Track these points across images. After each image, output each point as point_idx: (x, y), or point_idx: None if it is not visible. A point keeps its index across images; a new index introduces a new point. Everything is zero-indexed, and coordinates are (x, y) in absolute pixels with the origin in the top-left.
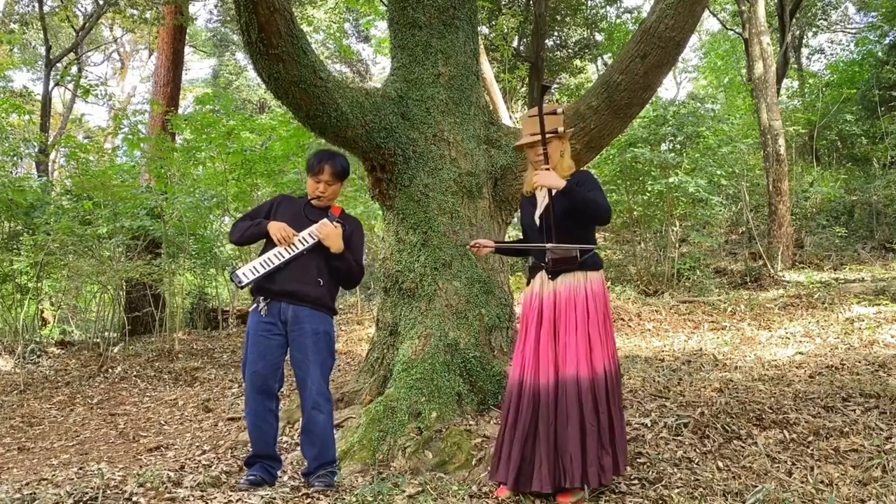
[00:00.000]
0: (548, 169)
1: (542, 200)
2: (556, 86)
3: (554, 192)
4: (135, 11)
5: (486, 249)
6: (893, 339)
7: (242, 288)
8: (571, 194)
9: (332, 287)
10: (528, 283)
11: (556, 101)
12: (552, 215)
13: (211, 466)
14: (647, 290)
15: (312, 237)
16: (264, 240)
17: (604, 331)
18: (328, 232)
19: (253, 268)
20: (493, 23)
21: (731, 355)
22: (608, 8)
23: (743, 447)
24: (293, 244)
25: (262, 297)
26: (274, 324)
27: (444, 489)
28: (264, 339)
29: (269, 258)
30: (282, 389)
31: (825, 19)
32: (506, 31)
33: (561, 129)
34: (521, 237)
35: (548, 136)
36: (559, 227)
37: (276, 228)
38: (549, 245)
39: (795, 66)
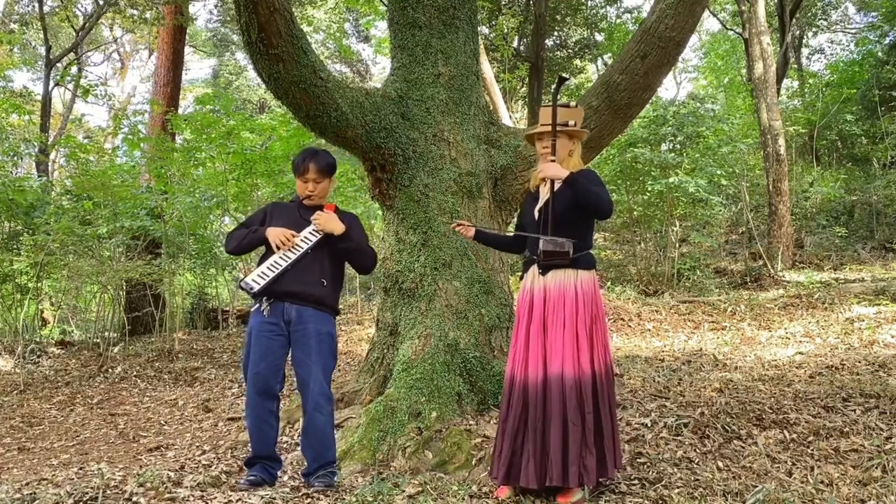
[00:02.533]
0: (553, 160)
1: (545, 195)
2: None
3: (557, 184)
4: (135, 11)
5: (468, 232)
6: (893, 339)
7: (255, 294)
8: (574, 185)
9: (336, 287)
10: (521, 279)
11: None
12: (552, 208)
13: (211, 466)
14: (647, 290)
15: (314, 234)
16: (264, 247)
17: (593, 330)
18: (324, 218)
19: (262, 273)
20: (493, 23)
21: (731, 355)
22: (608, 8)
23: (743, 447)
24: (296, 245)
25: (265, 298)
26: (276, 324)
27: (444, 489)
28: (266, 340)
29: (276, 261)
30: (282, 390)
31: (825, 19)
32: (506, 31)
33: (572, 122)
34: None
35: (559, 130)
36: (558, 222)
37: (275, 234)
38: (541, 236)
39: (795, 66)
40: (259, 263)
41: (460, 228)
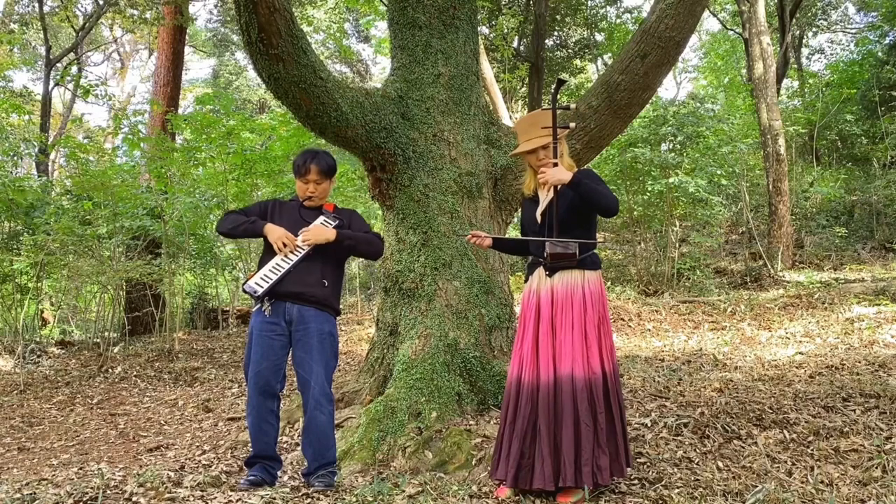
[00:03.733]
0: (555, 164)
1: (546, 198)
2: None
3: (560, 186)
4: (135, 11)
5: (486, 242)
6: (893, 339)
7: (258, 297)
8: (579, 186)
9: (337, 288)
10: (525, 281)
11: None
12: (555, 211)
13: (211, 466)
14: (647, 290)
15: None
16: (263, 242)
17: (601, 330)
18: (312, 233)
19: (264, 276)
20: (493, 23)
21: (731, 355)
22: (608, 8)
23: (743, 447)
24: (298, 247)
25: (266, 298)
26: (278, 323)
27: (444, 489)
28: (267, 339)
29: (277, 264)
30: (282, 390)
31: (825, 19)
32: (506, 31)
33: (572, 124)
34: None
35: (550, 134)
36: (562, 224)
37: (277, 236)
38: (548, 239)
39: (795, 66)
40: (259, 264)
41: (476, 240)
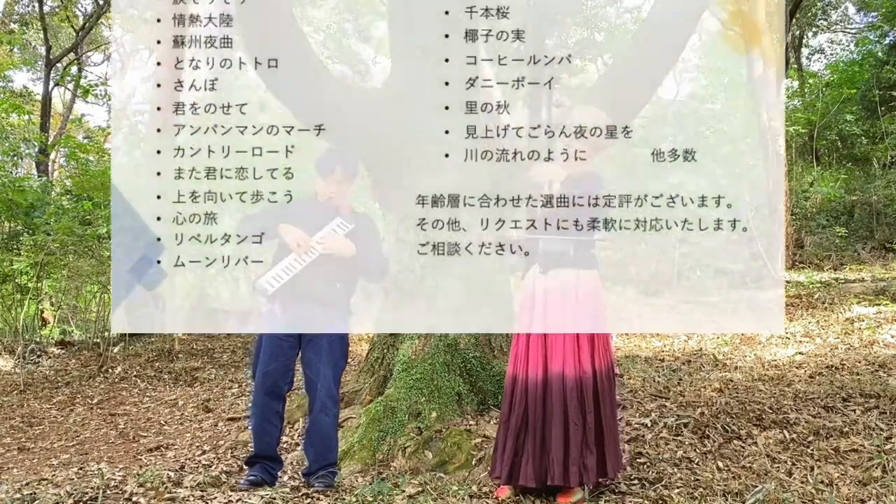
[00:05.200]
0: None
1: None
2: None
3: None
4: (135, 12)
5: None
6: (893, 339)
7: (269, 296)
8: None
9: (349, 288)
10: (523, 278)
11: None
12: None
13: (211, 466)
14: (648, 291)
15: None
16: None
17: (594, 329)
18: (333, 245)
19: (276, 275)
20: None
21: (731, 355)
22: (608, 8)
23: (743, 447)
24: (312, 248)
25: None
26: None
27: (444, 489)
28: (277, 340)
29: (290, 264)
30: (289, 391)
31: (825, 19)
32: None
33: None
34: None
35: None
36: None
37: (292, 237)
38: (541, 236)
39: (795, 66)
40: (273, 262)
41: None
